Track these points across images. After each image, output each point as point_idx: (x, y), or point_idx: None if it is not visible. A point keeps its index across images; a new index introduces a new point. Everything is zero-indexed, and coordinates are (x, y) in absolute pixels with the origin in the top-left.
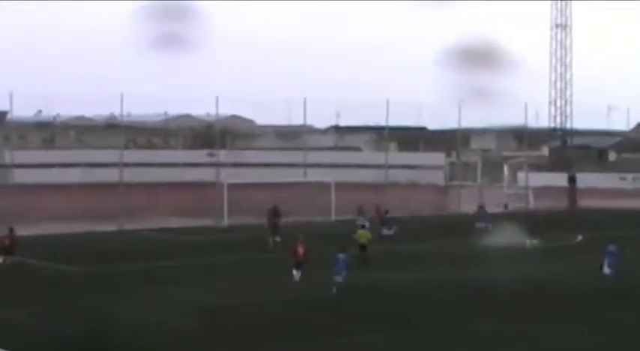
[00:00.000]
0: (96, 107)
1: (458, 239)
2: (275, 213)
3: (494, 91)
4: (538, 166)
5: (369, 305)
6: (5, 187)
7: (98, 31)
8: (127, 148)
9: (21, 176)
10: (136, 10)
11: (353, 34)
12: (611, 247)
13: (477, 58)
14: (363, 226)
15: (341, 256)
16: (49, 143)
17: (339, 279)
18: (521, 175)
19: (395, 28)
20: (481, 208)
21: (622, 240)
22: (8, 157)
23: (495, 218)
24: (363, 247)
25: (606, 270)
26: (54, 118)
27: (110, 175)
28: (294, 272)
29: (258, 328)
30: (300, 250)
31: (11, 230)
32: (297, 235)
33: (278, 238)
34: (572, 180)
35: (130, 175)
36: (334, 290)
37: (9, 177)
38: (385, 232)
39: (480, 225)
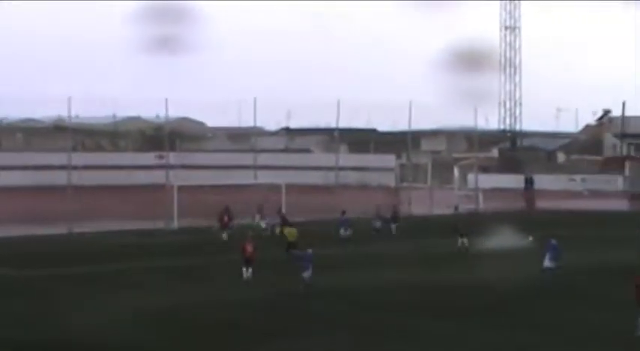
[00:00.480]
0: (44, 109)
1: (411, 241)
2: (227, 214)
3: (447, 91)
4: (488, 168)
5: (317, 306)
6: None
7: (44, 31)
8: (75, 150)
9: None
10: (82, 12)
11: (299, 35)
12: (553, 241)
13: (429, 60)
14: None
15: (308, 251)
16: None
17: (306, 274)
18: (471, 176)
19: (343, 28)
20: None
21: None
22: None
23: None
24: (291, 245)
25: (547, 263)
26: (0, 119)
27: (58, 178)
28: (244, 270)
29: (207, 329)
30: (249, 248)
31: None
32: (246, 235)
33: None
34: (529, 182)
35: (79, 178)
36: (301, 287)
37: None
38: (342, 233)
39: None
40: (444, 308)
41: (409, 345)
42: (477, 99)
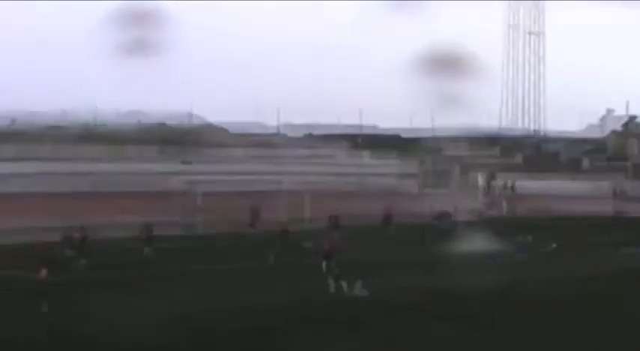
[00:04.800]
0: (70, 117)
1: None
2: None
3: (468, 98)
4: (512, 173)
5: (340, 312)
6: None
7: (66, 38)
8: (100, 157)
9: None
10: (99, 16)
11: (322, 43)
12: None
13: (449, 65)
14: None
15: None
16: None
17: None
18: (494, 181)
19: (367, 35)
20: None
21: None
22: None
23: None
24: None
25: None
26: (27, 128)
27: (84, 185)
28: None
29: (226, 335)
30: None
31: None
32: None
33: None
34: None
35: (104, 184)
36: None
37: None
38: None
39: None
40: (463, 315)
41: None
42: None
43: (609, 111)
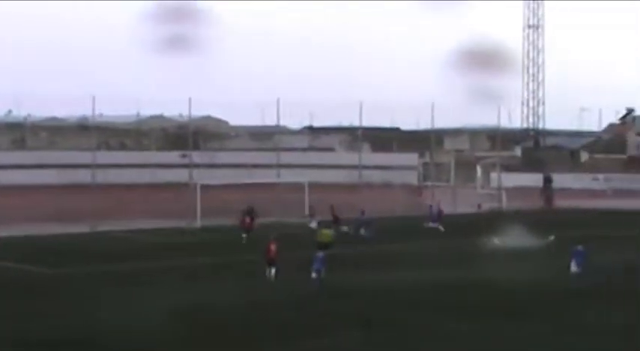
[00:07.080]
0: (68, 108)
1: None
2: (250, 213)
3: (469, 91)
4: (511, 167)
5: (340, 305)
6: None
7: (69, 31)
8: (99, 149)
9: None
10: (104, 12)
11: (323, 35)
12: (579, 248)
13: (452, 59)
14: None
15: (320, 254)
16: (20, 144)
17: (314, 275)
18: (494, 175)
19: (364, 29)
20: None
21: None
22: None
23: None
24: (325, 246)
25: (574, 268)
26: (25, 118)
27: (82, 177)
28: (267, 270)
29: (230, 328)
30: (273, 248)
31: None
32: (269, 235)
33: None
34: (548, 180)
35: (103, 176)
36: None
37: None
38: (362, 233)
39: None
40: (462, 308)
41: (426, 342)
42: (496, 98)
43: (629, 110)
